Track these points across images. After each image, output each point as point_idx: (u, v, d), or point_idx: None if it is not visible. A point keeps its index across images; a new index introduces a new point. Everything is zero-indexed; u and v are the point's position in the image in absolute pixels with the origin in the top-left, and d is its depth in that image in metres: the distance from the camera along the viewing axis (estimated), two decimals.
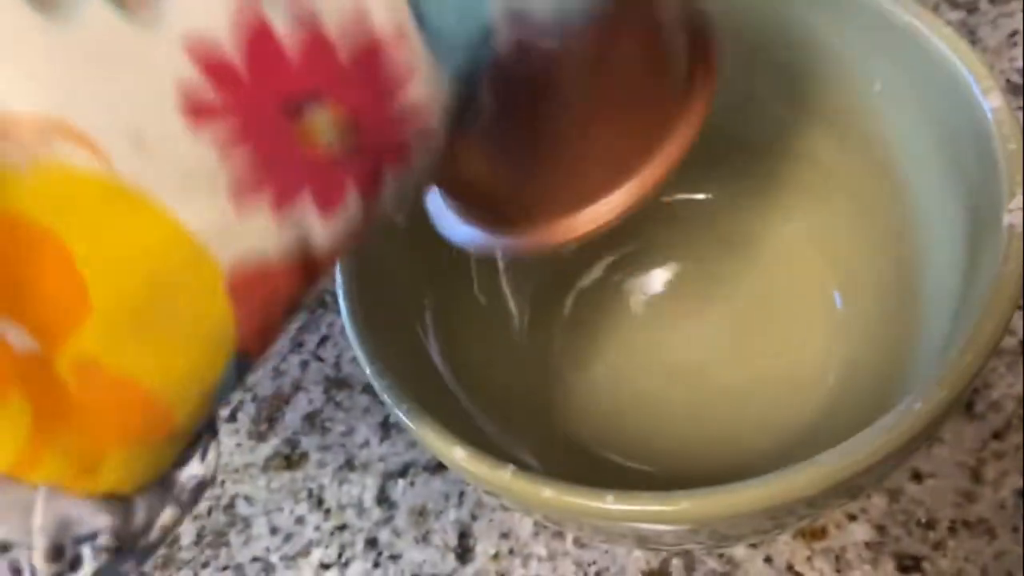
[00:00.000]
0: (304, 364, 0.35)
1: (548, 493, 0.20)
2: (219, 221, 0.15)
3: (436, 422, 0.22)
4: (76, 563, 0.15)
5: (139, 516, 0.16)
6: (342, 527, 0.31)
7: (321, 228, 0.16)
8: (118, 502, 0.15)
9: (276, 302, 0.16)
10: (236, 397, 0.35)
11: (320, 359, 0.35)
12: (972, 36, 0.35)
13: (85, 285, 0.14)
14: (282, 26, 0.14)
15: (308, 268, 0.16)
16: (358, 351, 0.24)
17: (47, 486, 0.14)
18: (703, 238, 0.31)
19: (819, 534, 0.27)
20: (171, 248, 0.14)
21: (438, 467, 0.31)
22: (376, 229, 0.17)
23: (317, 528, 0.31)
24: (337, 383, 0.34)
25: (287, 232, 0.15)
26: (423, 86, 0.15)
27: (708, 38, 0.22)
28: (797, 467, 0.20)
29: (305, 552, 0.31)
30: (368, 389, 0.33)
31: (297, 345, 0.35)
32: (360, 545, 0.30)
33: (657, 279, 0.32)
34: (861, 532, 0.27)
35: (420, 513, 0.31)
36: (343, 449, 0.32)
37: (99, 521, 0.15)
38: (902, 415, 0.19)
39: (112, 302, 0.14)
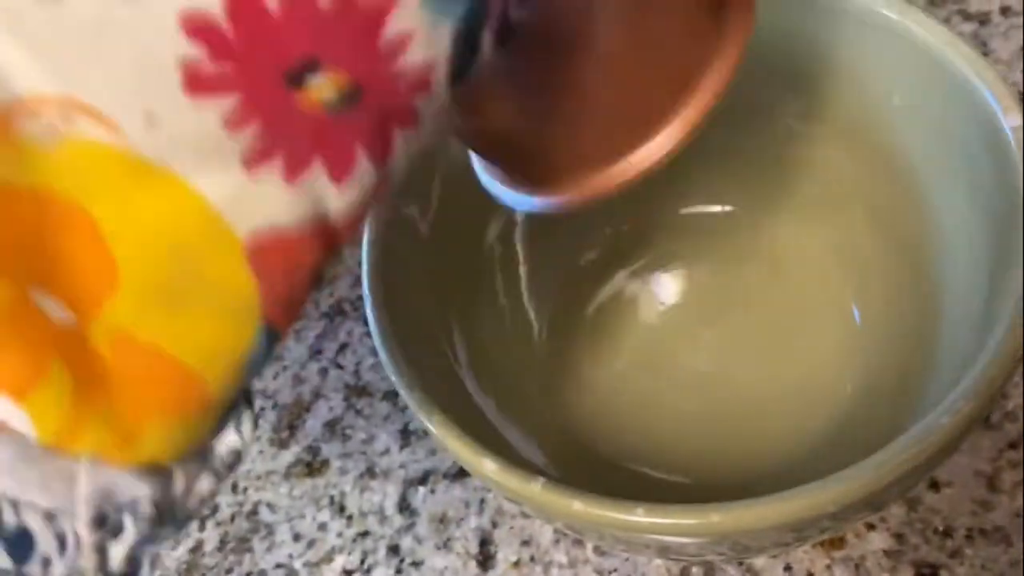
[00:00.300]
0: (324, 372, 0.35)
1: (578, 506, 0.21)
2: (234, 191, 0.15)
3: (465, 434, 0.22)
4: (118, 531, 0.16)
5: (178, 485, 0.16)
6: (364, 534, 0.31)
7: (335, 194, 0.16)
8: (157, 471, 0.16)
9: (296, 270, 0.16)
10: (257, 404, 0.35)
11: (340, 367, 0.35)
12: (984, 48, 0.35)
13: (113, 257, 0.15)
14: None
15: (326, 235, 0.16)
16: (387, 362, 0.24)
17: (89, 456, 0.15)
18: (721, 250, 0.32)
19: (838, 543, 0.27)
20: (191, 218, 0.15)
21: (458, 474, 0.32)
22: (389, 190, 0.17)
23: (339, 535, 0.31)
24: (357, 390, 0.34)
25: (301, 200, 0.15)
26: (424, 45, 0.15)
27: None
28: (823, 481, 0.20)
29: (328, 559, 0.31)
30: (388, 396, 0.34)
31: (316, 353, 0.35)
32: (382, 552, 0.31)
33: (675, 290, 0.32)
34: (880, 541, 0.27)
35: (441, 520, 0.31)
36: (364, 456, 0.33)
37: (140, 490, 0.15)
38: (928, 429, 0.20)
39: (139, 273, 0.15)
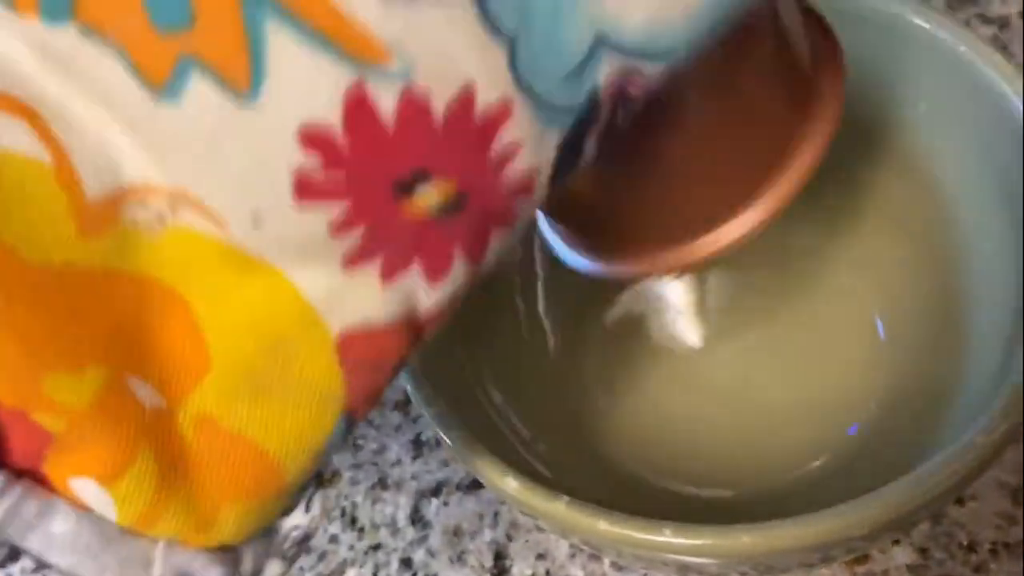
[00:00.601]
0: None
1: (603, 525, 0.20)
2: (331, 289, 0.15)
3: (486, 450, 0.22)
4: None
5: (246, 566, 0.16)
6: (376, 546, 0.31)
7: (427, 294, 0.16)
8: (228, 552, 0.16)
9: (382, 364, 0.16)
10: None
11: None
12: (1004, 51, 0.35)
13: (207, 344, 0.15)
14: (389, 108, 0.14)
15: (413, 330, 0.16)
16: (404, 376, 0.23)
17: (167, 539, 0.15)
18: (740, 260, 0.31)
19: (862, 559, 0.27)
20: (285, 311, 0.15)
21: (471, 486, 0.31)
22: (479, 285, 0.17)
23: (351, 548, 0.31)
24: None
25: (395, 298, 0.16)
26: (531, 155, 0.15)
27: (830, 39, 0.21)
28: (856, 502, 0.20)
29: (340, 572, 0.30)
30: (399, 406, 0.33)
31: None
32: (395, 565, 0.30)
33: (693, 300, 0.31)
34: (903, 556, 0.27)
35: (455, 533, 0.30)
36: (375, 467, 0.32)
37: (212, 573, 0.16)
38: (964, 448, 0.19)
39: (230, 361, 0.15)
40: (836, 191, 0.29)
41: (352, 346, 0.16)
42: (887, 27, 0.26)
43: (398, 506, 0.31)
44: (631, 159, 0.19)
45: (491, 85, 0.14)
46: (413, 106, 0.14)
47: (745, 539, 0.19)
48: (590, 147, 0.17)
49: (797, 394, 0.29)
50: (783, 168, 0.20)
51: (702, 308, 0.32)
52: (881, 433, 0.27)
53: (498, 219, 0.16)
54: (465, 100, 0.14)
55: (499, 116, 0.15)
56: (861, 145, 0.28)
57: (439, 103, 0.14)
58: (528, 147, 0.15)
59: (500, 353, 0.28)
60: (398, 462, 0.32)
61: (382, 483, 0.32)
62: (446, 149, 0.15)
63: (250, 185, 0.14)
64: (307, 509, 0.17)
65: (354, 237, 0.15)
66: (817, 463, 0.27)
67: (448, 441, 0.22)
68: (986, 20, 0.36)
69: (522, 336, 0.30)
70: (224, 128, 0.14)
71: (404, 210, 0.15)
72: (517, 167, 0.15)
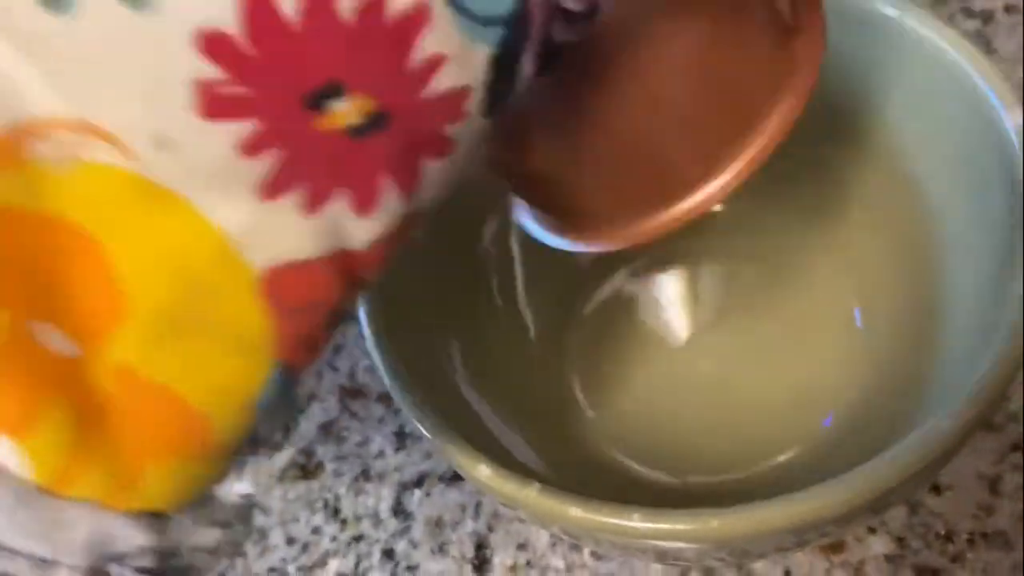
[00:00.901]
0: (318, 373, 0.34)
1: (575, 512, 0.20)
2: (248, 222, 0.14)
3: (460, 438, 0.22)
4: None
5: (176, 535, 0.15)
6: (359, 538, 0.31)
7: (359, 227, 0.15)
8: (155, 520, 0.15)
9: (316, 307, 0.15)
10: None
11: (334, 368, 0.34)
12: (988, 46, 0.35)
13: (121, 287, 0.14)
14: (291, 6, 0.13)
15: (348, 270, 0.15)
16: (381, 366, 0.24)
17: (88, 501, 0.14)
18: (721, 251, 0.31)
19: (838, 547, 0.27)
20: (203, 248, 0.14)
21: (454, 478, 0.31)
22: (421, 225, 0.16)
23: (334, 539, 0.31)
24: (352, 392, 0.34)
25: (321, 232, 0.15)
26: (457, 71, 0.14)
27: (814, 12, 0.19)
28: (825, 485, 0.20)
29: (322, 563, 0.31)
30: (383, 398, 0.33)
31: None
32: (377, 556, 0.30)
33: (674, 290, 0.32)
34: (880, 545, 0.27)
35: (436, 524, 0.31)
36: (359, 459, 0.32)
37: (137, 539, 0.15)
38: (931, 432, 0.19)
39: (148, 304, 0.14)
40: (815, 185, 0.29)
41: (278, 285, 0.15)
42: (861, 19, 0.26)
43: (381, 497, 0.31)
44: (593, 123, 0.18)
45: None
46: (318, 4, 0.13)
47: (714, 523, 0.19)
48: (526, 68, 0.15)
49: (777, 384, 0.29)
50: (751, 134, 0.19)
51: (683, 300, 0.32)
52: (857, 422, 0.27)
53: (427, 145, 0.15)
54: (376, 1, 0.13)
55: (415, 20, 0.13)
56: (839, 139, 0.28)
57: (346, 4, 0.13)
58: (453, 61, 0.14)
59: (480, 343, 0.28)
60: (381, 454, 0.32)
61: (365, 475, 0.32)
62: (358, 57, 0.13)
63: (150, 103, 0.13)
64: (240, 474, 0.16)
65: (267, 160, 0.14)
66: (794, 452, 0.28)
67: (422, 429, 0.22)
68: (970, 14, 0.36)
69: (501, 325, 0.30)
70: (119, 38, 0.13)
71: (318, 128, 0.14)
72: (441, 83, 0.14)
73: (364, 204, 0.15)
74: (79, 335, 0.14)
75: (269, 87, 0.13)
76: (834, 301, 0.29)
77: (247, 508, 0.17)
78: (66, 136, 0.13)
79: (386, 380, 0.23)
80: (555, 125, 0.18)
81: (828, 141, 0.29)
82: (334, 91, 0.13)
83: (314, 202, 0.14)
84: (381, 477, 0.32)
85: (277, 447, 0.33)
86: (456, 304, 0.28)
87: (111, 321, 0.14)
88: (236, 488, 0.16)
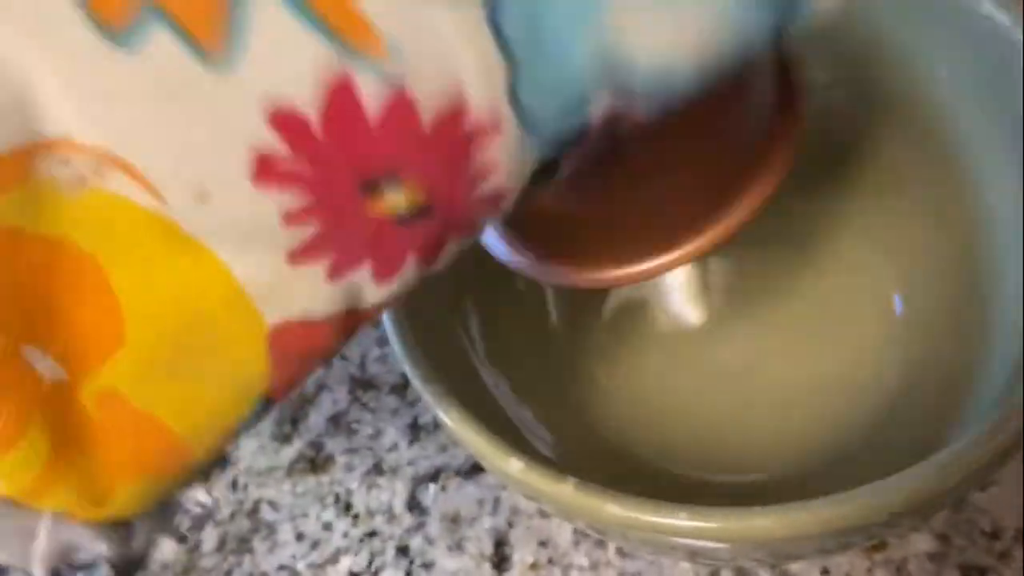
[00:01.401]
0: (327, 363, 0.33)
1: (615, 509, 0.19)
2: (271, 280, 0.14)
3: (488, 431, 0.21)
4: None
5: (137, 542, 0.16)
6: (371, 534, 0.29)
7: (373, 292, 0.15)
8: (118, 527, 0.15)
9: (313, 356, 0.16)
10: None
11: (344, 358, 0.33)
12: None
13: (121, 316, 0.14)
14: (375, 103, 0.13)
15: (351, 324, 0.16)
16: (401, 354, 0.22)
17: (54, 512, 0.14)
18: (752, 235, 0.30)
19: (879, 546, 0.26)
20: (217, 296, 0.14)
21: (471, 471, 0.30)
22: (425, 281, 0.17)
23: (345, 535, 0.30)
24: (363, 383, 0.33)
25: (339, 296, 0.15)
26: (508, 176, 0.15)
27: (796, 84, 0.21)
28: (879, 484, 0.18)
29: (333, 560, 0.29)
30: (395, 390, 0.32)
31: None
32: (391, 553, 0.29)
33: (702, 275, 0.30)
34: (923, 543, 0.26)
35: (453, 520, 0.29)
36: (371, 452, 0.31)
37: (98, 548, 0.15)
38: (991, 431, 0.18)
39: (147, 338, 0.14)
40: (849, 161, 0.28)
41: (285, 338, 0.15)
42: None
43: (394, 492, 0.30)
44: (592, 187, 0.19)
45: (486, 100, 0.13)
46: (401, 107, 0.13)
47: (765, 523, 0.18)
48: (564, 171, 0.16)
49: (807, 374, 0.28)
50: (729, 205, 0.21)
51: (708, 287, 0.30)
52: (899, 414, 0.26)
53: (460, 230, 0.16)
54: (456, 113, 0.13)
55: (487, 133, 0.14)
56: (876, 112, 0.27)
57: (429, 108, 0.13)
58: (506, 168, 0.14)
59: (501, 334, 0.27)
60: (394, 447, 0.31)
61: (377, 468, 0.31)
62: (425, 156, 0.14)
63: (201, 158, 0.13)
64: (206, 482, 0.17)
65: (308, 230, 0.14)
66: (830, 446, 0.26)
67: (448, 422, 0.21)
68: None
69: (524, 316, 0.28)
70: (182, 90, 0.12)
71: (367, 211, 0.14)
72: (491, 185, 0.15)
73: (386, 275, 0.15)
74: (68, 361, 0.14)
75: (330, 170, 0.13)
76: (871, 288, 0.28)
77: (202, 519, 0.17)
78: (83, 161, 0.13)
79: (407, 368, 0.22)
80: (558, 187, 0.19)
81: (865, 118, 0.27)
82: (390, 180, 0.14)
83: (339, 270, 0.15)
84: (394, 471, 0.31)
85: (286, 440, 0.32)
86: (476, 288, 0.27)
87: (105, 349, 0.14)
88: (192, 494, 0.17)
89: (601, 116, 0.15)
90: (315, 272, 0.14)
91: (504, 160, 0.14)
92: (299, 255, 0.14)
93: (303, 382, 0.17)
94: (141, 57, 0.12)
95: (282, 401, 0.16)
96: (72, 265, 0.13)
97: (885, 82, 0.26)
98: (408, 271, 0.15)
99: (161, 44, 0.12)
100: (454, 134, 0.13)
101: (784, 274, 0.29)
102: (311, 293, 0.15)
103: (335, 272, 0.15)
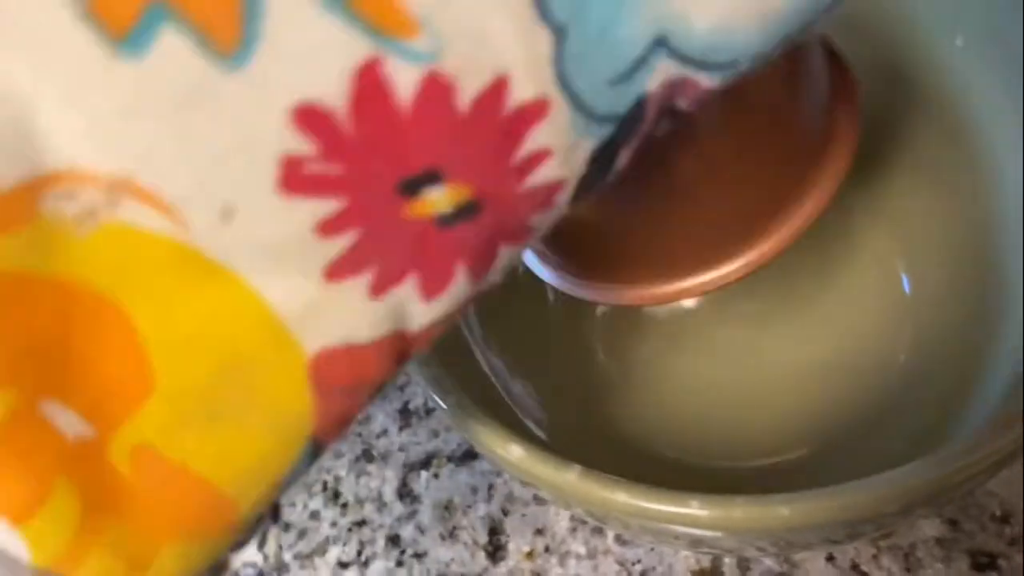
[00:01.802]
0: None
1: (623, 497, 0.18)
2: (307, 303, 0.13)
3: (486, 416, 0.20)
4: None
5: None
6: (361, 523, 0.29)
7: (421, 311, 0.14)
8: None
9: (360, 388, 0.14)
10: None
11: None
12: None
13: (149, 364, 0.13)
14: (407, 91, 0.12)
15: (399, 351, 0.14)
16: None
17: None
18: None
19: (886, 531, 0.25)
20: (250, 327, 0.13)
21: (464, 457, 0.29)
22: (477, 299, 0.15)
23: (334, 524, 0.29)
24: None
25: (382, 317, 0.13)
26: (560, 165, 0.13)
27: (848, 82, 0.20)
28: (895, 473, 0.18)
29: (321, 550, 0.28)
30: None
31: None
32: (381, 542, 0.28)
33: None
34: (931, 528, 0.25)
35: (446, 507, 0.28)
36: (360, 438, 0.30)
37: None
38: (1009, 422, 0.17)
39: (178, 384, 0.13)
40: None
41: (328, 368, 0.13)
42: None
43: (384, 480, 0.29)
44: (635, 183, 0.18)
45: (529, 78, 0.12)
46: (436, 92, 0.12)
47: (783, 511, 0.17)
48: (621, 162, 0.14)
49: (814, 356, 0.27)
50: (785, 213, 0.20)
51: None
52: (909, 396, 0.25)
53: (510, 235, 0.14)
54: (496, 92, 0.12)
55: (532, 115, 0.12)
56: (885, 86, 0.26)
57: (467, 92, 0.12)
58: (558, 156, 0.13)
59: (499, 316, 0.26)
60: (384, 432, 0.30)
61: (367, 455, 0.30)
62: (466, 147, 0.12)
63: (223, 171, 0.12)
64: (261, 545, 0.15)
65: (344, 241, 0.13)
66: (837, 429, 0.26)
67: (444, 406, 0.20)
68: None
69: (523, 298, 0.27)
70: (197, 97, 0.11)
71: (406, 214, 0.13)
72: (541, 177, 0.13)
73: (433, 289, 0.14)
74: (93, 415, 0.13)
75: (364, 169, 0.12)
76: (879, 266, 0.27)
77: None
78: (93, 193, 0.11)
79: None
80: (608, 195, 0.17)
81: (873, 88, 0.26)
82: (431, 178, 0.13)
83: (382, 286, 0.13)
84: (385, 457, 0.30)
85: None
86: None
87: (134, 399, 0.13)
88: (245, 556, 0.15)
89: (657, 89, 0.13)
90: (355, 288, 0.13)
91: (555, 144, 0.13)
92: (337, 270, 0.13)
93: (352, 421, 0.15)
94: (148, 63, 0.11)
95: (332, 443, 0.15)
96: (89, 308, 0.12)
97: (894, 51, 0.25)
98: (458, 285, 0.14)
99: (169, 45, 0.11)
100: (496, 116, 0.12)
101: (790, 254, 0.29)
102: (352, 314, 0.13)
103: (377, 287, 0.13)
